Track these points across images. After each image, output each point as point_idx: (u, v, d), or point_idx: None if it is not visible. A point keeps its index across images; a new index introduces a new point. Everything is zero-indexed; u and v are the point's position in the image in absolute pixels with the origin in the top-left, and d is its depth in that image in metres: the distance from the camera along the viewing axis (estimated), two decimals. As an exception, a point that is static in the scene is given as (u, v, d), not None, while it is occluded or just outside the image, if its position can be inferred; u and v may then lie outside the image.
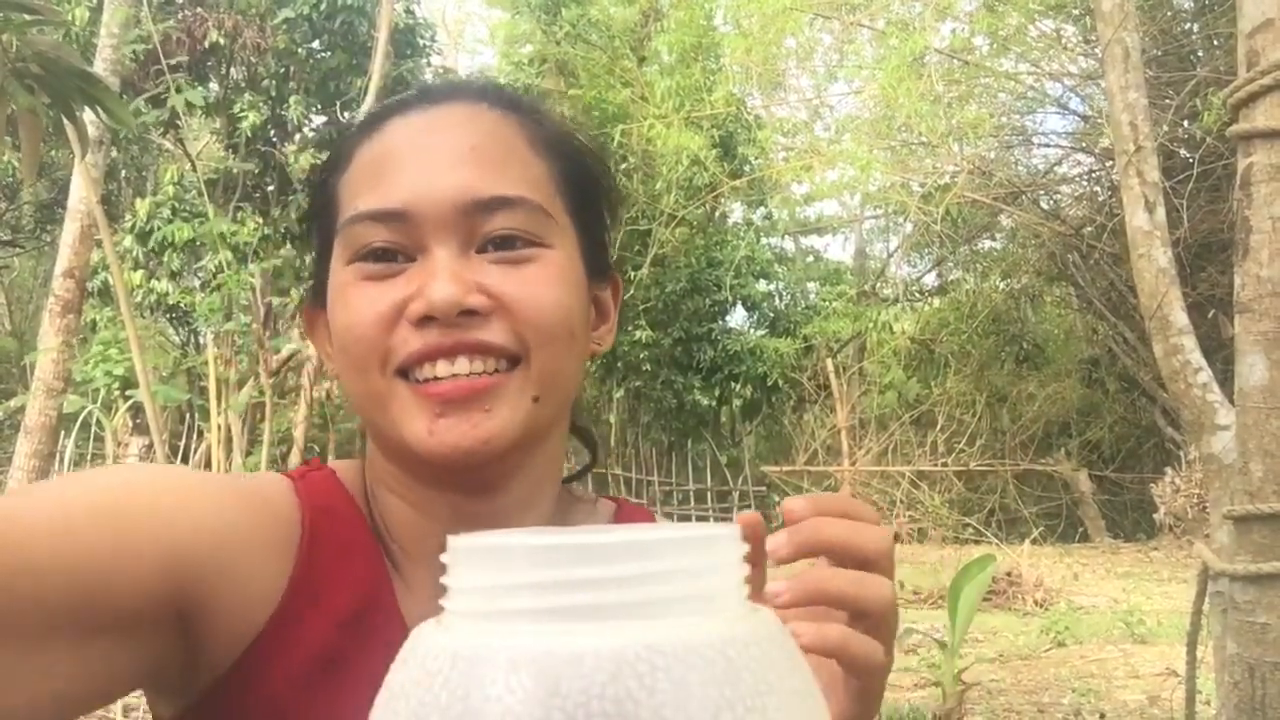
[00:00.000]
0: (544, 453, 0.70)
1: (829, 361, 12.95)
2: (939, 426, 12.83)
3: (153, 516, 0.58)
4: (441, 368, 0.62)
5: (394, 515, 0.69)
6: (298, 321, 11.76)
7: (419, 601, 0.67)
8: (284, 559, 0.64)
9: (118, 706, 4.57)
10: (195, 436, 12.88)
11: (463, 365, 0.62)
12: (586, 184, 0.73)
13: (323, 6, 11.21)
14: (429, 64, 12.79)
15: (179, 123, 11.81)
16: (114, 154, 10.43)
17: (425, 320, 0.61)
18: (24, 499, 0.56)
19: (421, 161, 0.65)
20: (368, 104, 7.60)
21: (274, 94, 11.66)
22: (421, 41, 12.48)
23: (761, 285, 13.67)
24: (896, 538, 11.98)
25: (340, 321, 0.65)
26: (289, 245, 11.94)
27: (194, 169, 11.67)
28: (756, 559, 0.46)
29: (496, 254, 0.64)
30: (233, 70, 11.86)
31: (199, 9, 11.23)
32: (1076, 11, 11.09)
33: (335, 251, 0.67)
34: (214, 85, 11.70)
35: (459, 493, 0.68)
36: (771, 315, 13.76)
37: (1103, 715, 4.78)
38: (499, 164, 0.65)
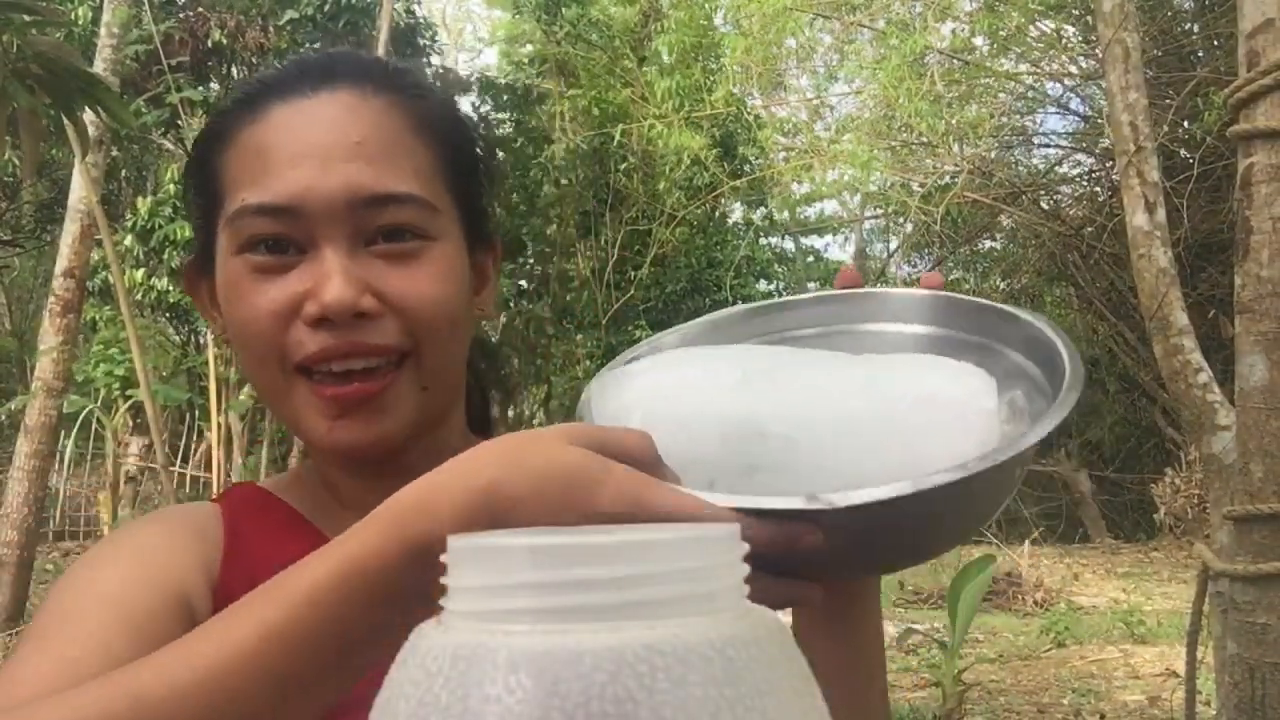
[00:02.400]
0: (445, 427, 0.75)
1: (829, 361, 12.93)
2: (939, 426, 12.81)
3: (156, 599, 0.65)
4: (336, 365, 0.66)
5: (329, 475, 0.76)
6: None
7: None
8: (214, 557, 0.70)
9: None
10: (195, 436, 12.88)
11: (356, 364, 0.66)
12: (467, 159, 0.75)
13: (325, 7, 11.21)
14: (429, 64, 12.79)
15: (180, 122, 11.81)
16: (114, 153, 10.44)
17: (320, 321, 0.64)
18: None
19: (309, 156, 0.65)
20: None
21: (274, 94, 11.67)
22: (422, 41, 12.48)
23: (762, 285, 13.67)
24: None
25: (235, 315, 0.68)
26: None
27: (194, 169, 11.67)
28: None
29: (384, 247, 0.67)
30: (234, 70, 11.86)
31: (200, 9, 11.23)
32: (1076, 11, 11.09)
33: (222, 239, 0.69)
34: (215, 85, 11.69)
35: (364, 476, 0.73)
36: (772, 315, 13.74)
37: (1103, 715, 4.78)
38: (385, 157, 0.67)
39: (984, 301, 0.74)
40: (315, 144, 0.66)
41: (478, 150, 0.77)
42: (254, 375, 0.69)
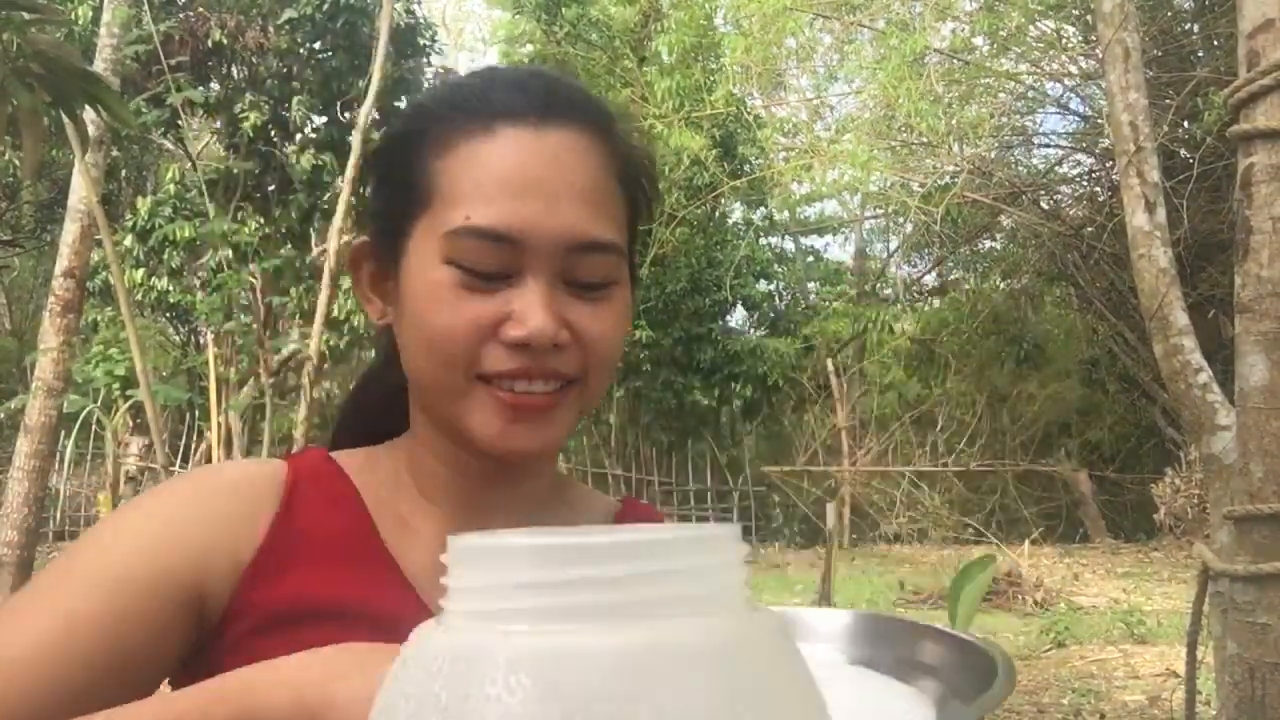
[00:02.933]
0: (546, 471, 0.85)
1: (829, 361, 12.96)
2: (939, 427, 12.83)
3: (145, 575, 0.69)
4: (520, 385, 0.73)
5: (424, 467, 0.80)
6: (298, 321, 11.76)
7: (424, 541, 0.78)
8: (263, 515, 0.74)
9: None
10: (195, 436, 12.88)
11: (538, 385, 0.73)
12: (643, 206, 0.82)
13: (325, 7, 11.20)
14: (429, 64, 12.79)
15: (180, 122, 11.80)
16: (114, 153, 10.44)
17: (518, 345, 0.71)
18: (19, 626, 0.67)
19: (538, 192, 0.71)
20: (369, 104, 7.59)
21: (275, 94, 11.66)
22: (422, 41, 12.47)
23: (762, 285, 13.67)
24: (897, 538, 12.00)
25: (429, 320, 0.72)
26: (289, 245, 11.94)
27: (195, 168, 11.67)
28: None
29: (581, 290, 0.74)
30: (234, 70, 11.85)
31: (200, 9, 11.23)
32: (1076, 11, 11.08)
33: (425, 242, 0.73)
34: (215, 85, 11.69)
35: (475, 476, 0.80)
36: (771, 315, 13.76)
37: (1103, 715, 4.78)
38: (598, 204, 0.73)
39: (911, 621, 0.74)
40: (542, 181, 0.71)
41: (651, 199, 0.83)
42: (430, 373, 0.74)
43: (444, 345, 0.72)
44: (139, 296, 11.50)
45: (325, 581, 0.73)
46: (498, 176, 0.71)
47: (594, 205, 0.72)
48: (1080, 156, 13.42)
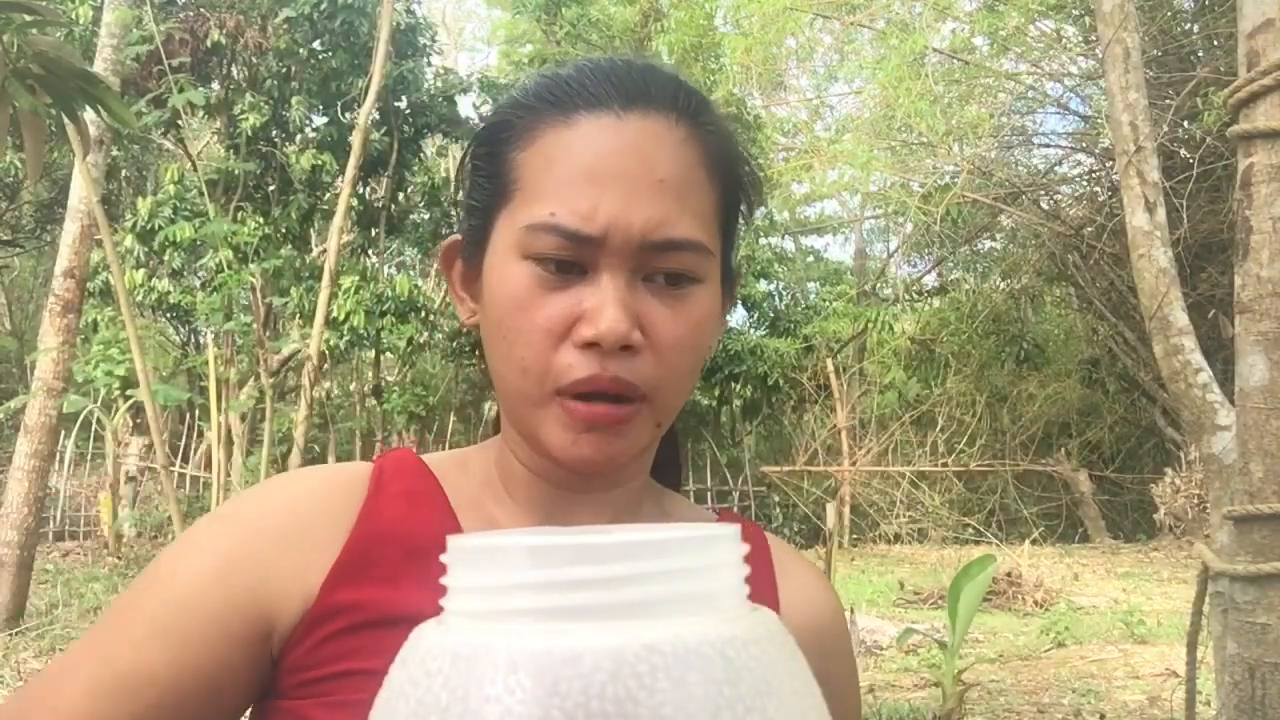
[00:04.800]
0: (648, 450, 0.82)
1: (829, 361, 12.96)
2: (939, 427, 12.83)
3: (210, 605, 0.69)
4: (592, 403, 0.71)
5: (511, 470, 0.79)
6: (298, 321, 11.76)
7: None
8: (344, 521, 0.74)
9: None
10: (195, 436, 12.89)
11: (606, 405, 0.71)
12: (738, 198, 0.78)
13: (324, 7, 11.20)
14: (429, 64, 12.79)
15: (180, 123, 11.81)
16: (114, 153, 10.43)
17: (589, 345, 0.69)
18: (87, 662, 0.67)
19: (616, 185, 0.68)
20: (369, 104, 7.60)
21: (275, 94, 11.66)
22: (422, 41, 12.48)
23: (762, 285, 13.68)
24: (897, 538, 11.99)
25: (510, 322, 0.71)
26: (289, 245, 11.94)
27: (195, 169, 11.67)
28: None
29: (659, 286, 0.70)
30: (234, 70, 11.86)
31: (200, 9, 11.23)
32: (1076, 11, 11.09)
33: (506, 236, 0.71)
34: (215, 85, 11.70)
35: (562, 483, 0.79)
36: (772, 315, 13.76)
37: (1103, 716, 4.78)
38: (680, 198, 0.70)
39: None
40: (623, 173, 0.68)
41: (751, 192, 0.79)
42: (510, 381, 0.72)
43: (520, 351, 0.70)
44: (139, 297, 11.50)
45: (405, 584, 0.71)
46: (575, 168, 0.69)
47: (677, 198, 0.69)
48: (1080, 156, 13.43)
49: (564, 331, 0.69)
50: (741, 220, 0.80)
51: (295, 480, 0.77)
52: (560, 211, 0.68)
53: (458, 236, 0.79)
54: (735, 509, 12.82)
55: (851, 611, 4.48)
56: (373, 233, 12.60)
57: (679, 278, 0.70)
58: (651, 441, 0.76)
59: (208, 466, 10.76)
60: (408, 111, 12.24)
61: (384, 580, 0.71)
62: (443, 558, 0.39)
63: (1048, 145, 13.77)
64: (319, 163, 11.39)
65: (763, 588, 0.79)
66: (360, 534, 0.73)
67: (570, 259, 0.68)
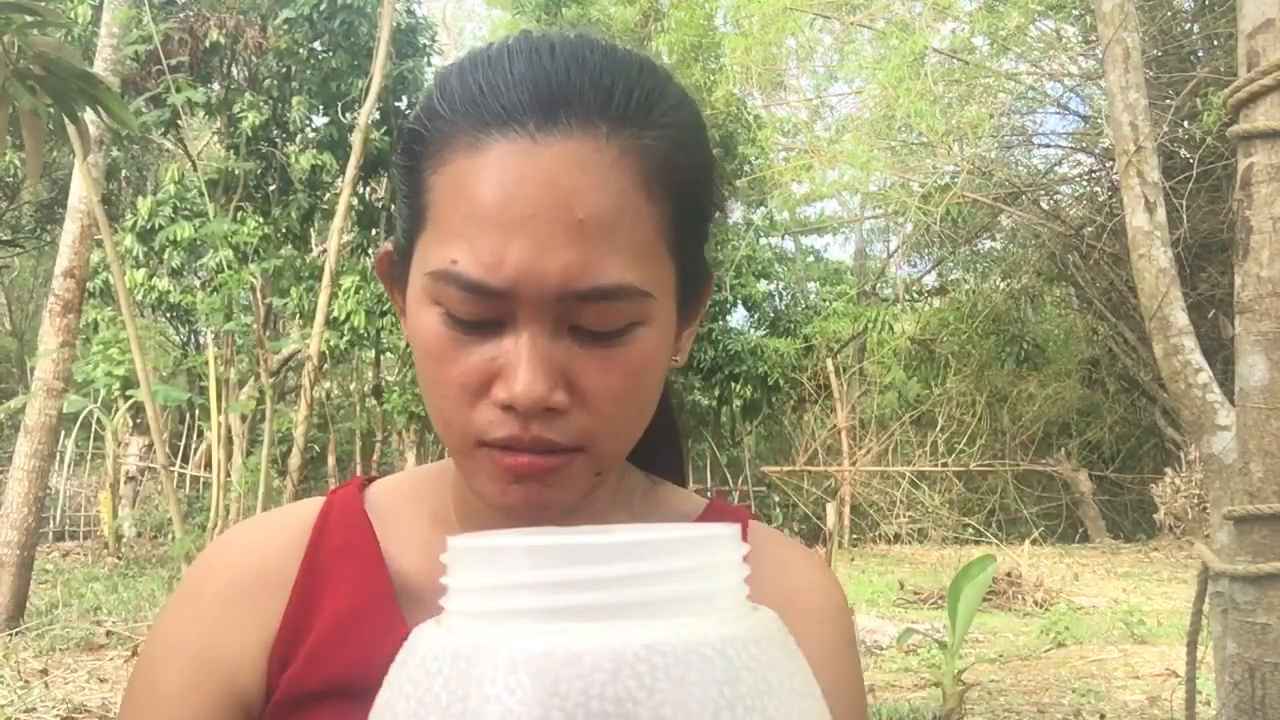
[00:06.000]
0: (605, 485, 0.73)
1: (829, 361, 12.96)
2: (939, 427, 12.83)
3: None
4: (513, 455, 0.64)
5: (464, 493, 0.73)
6: (298, 321, 11.76)
7: None
8: (285, 580, 0.71)
9: (118, 705, 4.56)
10: (195, 436, 12.89)
11: (531, 457, 0.64)
12: (699, 207, 0.67)
13: (324, 7, 11.21)
14: (429, 64, 12.79)
15: (180, 122, 11.81)
16: (114, 153, 10.44)
17: (508, 406, 0.62)
18: None
19: (526, 230, 0.59)
20: (369, 104, 7.60)
21: (275, 94, 11.67)
22: (422, 41, 12.49)
23: (762, 285, 13.68)
24: (897, 538, 11.99)
25: (425, 370, 0.65)
26: (289, 245, 11.95)
27: (195, 169, 11.67)
28: None
29: (592, 337, 0.62)
30: (234, 70, 11.86)
31: (200, 9, 11.23)
32: (1076, 11, 11.09)
33: (418, 276, 0.64)
34: (215, 85, 11.70)
35: None
36: (772, 315, 13.77)
37: (1103, 716, 4.78)
38: (610, 237, 0.60)
39: None
40: (535, 213, 0.59)
41: (713, 195, 0.69)
42: (435, 425, 0.67)
43: (438, 403, 0.64)
44: (139, 296, 11.50)
45: (341, 654, 0.68)
46: (481, 205, 0.60)
47: (604, 238, 0.59)
48: (1080, 156, 13.43)
49: (480, 387, 0.62)
50: (714, 217, 0.71)
51: (234, 546, 0.74)
52: (463, 259, 0.59)
53: (389, 247, 0.71)
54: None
55: (851, 611, 4.48)
56: (373, 233, 12.61)
57: (608, 329, 0.62)
58: (595, 486, 0.68)
59: (208, 466, 10.76)
60: (408, 111, 12.24)
61: (318, 652, 0.68)
62: (443, 558, 0.39)
63: (1048, 145, 13.78)
64: (319, 163, 11.40)
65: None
66: (296, 601, 0.70)
67: (479, 313, 0.61)
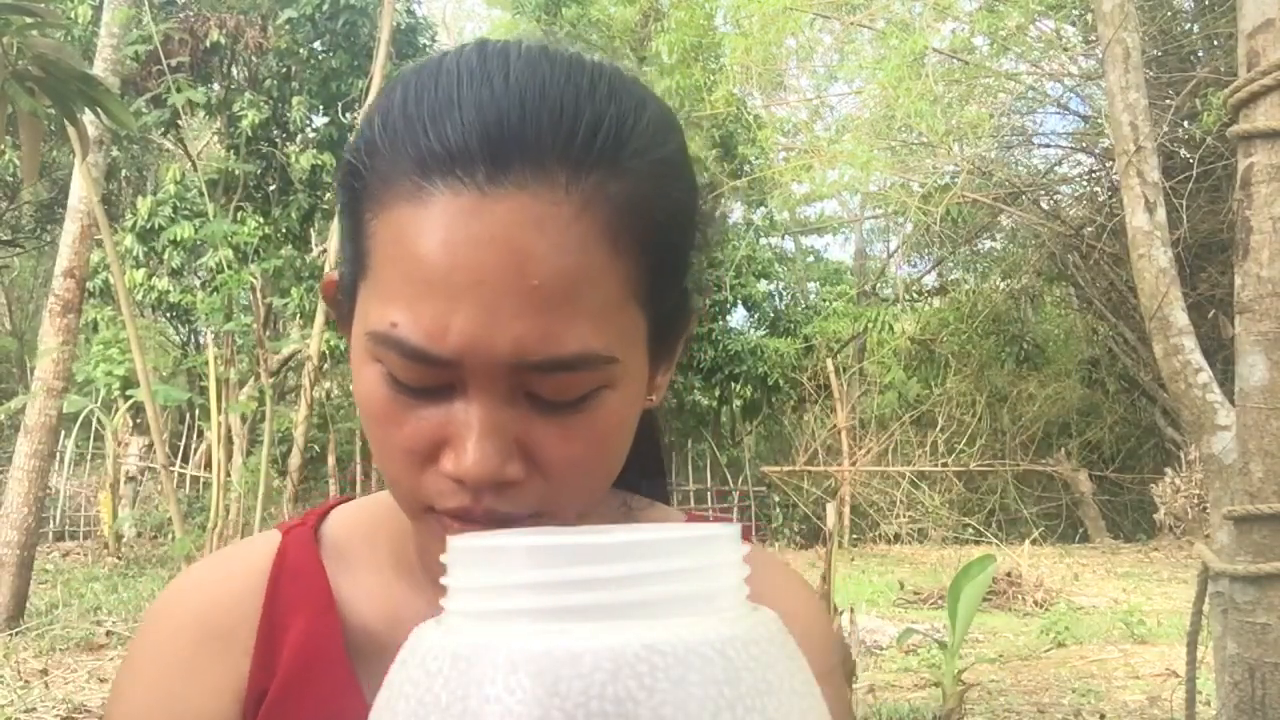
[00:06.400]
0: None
1: (829, 361, 12.96)
2: (939, 427, 12.83)
3: None
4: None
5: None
6: (298, 321, 11.77)
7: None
8: (245, 635, 0.67)
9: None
10: (195, 436, 12.89)
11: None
12: (676, 249, 0.60)
13: (325, 7, 11.22)
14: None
15: (180, 122, 11.82)
16: (114, 153, 10.44)
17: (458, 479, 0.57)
18: None
19: (474, 298, 0.52)
20: (369, 105, 7.60)
21: (275, 94, 11.67)
22: (423, 41, 12.49)
23: (762, 285, 13.69)
24: (897, 538, 11.99)
25: (367, 427, 0.59)
26: (289, 245, 11.95)
27: (195, 169, 11.68)
28: None
29: (547, 406, 0.56)
30: (234, 70, 11.87)
31: (200, 9, 11.24)
32: (1076, 11, 11.09)
33: (360, 323, 0.58)
34: (215, 85, 11.71)
35: None
36: (772, 315, 13.77)
37: (1103, 716, 4.78)
38: (570, 302, 0.53)
39: None
40: (483, 279, 0.52)
41: (694, 229, 0.62)
42: (387, 483, 0.62)
43: (385, 464, 0.59)
44: (139, 296, 11.51)
45: (283, 691, 0.65)
46: (423, 268, 0.53)
47: (562, 302, 0.53)
48: (1080, 156, 13.43)
49: (428, 453, 0.56)
50: (699, 249, 0.64)
51: (188, 602, 0.69)
52: (404, 324, 0.53)
53: (335, 276, 0.64)
54: (733, 509, 12.70)
55: (851, 611, 4.48)
56: (373, 233, 12.61)
57: (567, 399, 0.56)
58: None
59: (208, 466, 10.75)
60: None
61: (273, 715, 0.65)
62: (442, 558, 0.39)
63: (1048, 145, 13.78)
64: (319, 163, 11.40)
65: None
66: (259, 659, 0.66)
67: (424, 380, 0.55)
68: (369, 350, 0.56)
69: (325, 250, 9.37)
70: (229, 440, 9.01)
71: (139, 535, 10.85)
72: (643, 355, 0.60)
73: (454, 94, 0.54)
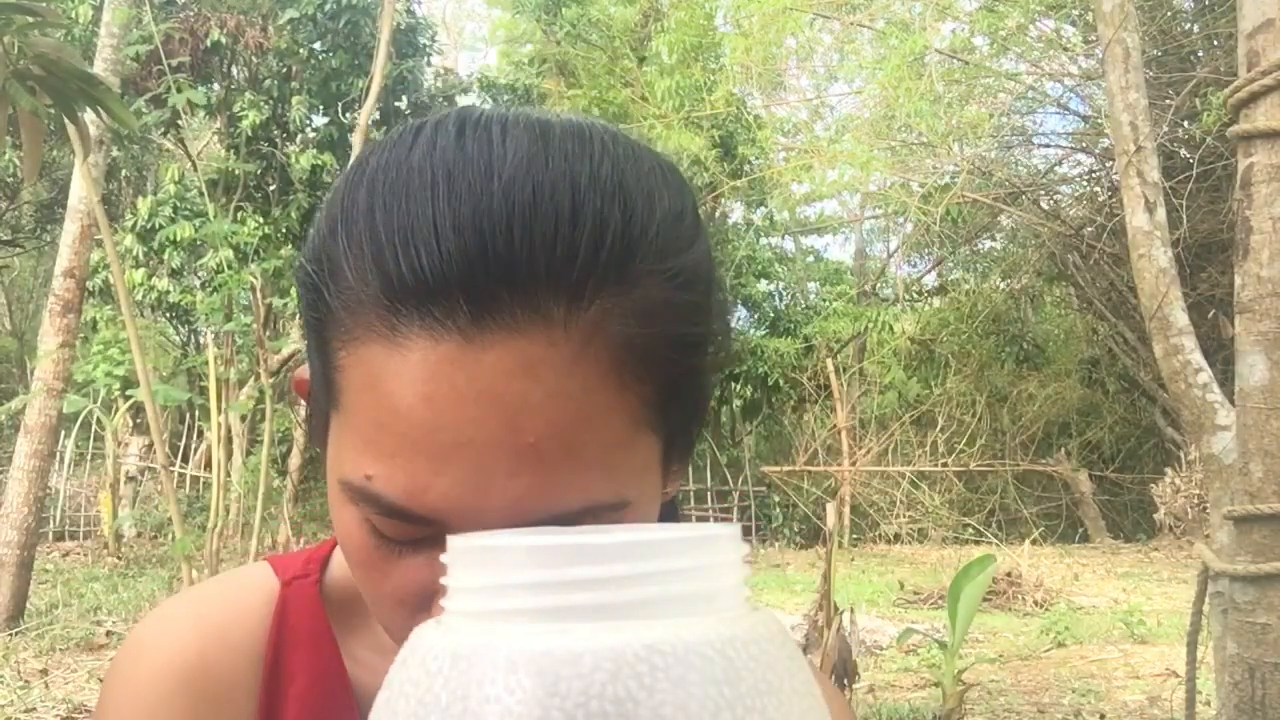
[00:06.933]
0: None
1: (829, 361, 12.97)
2: (939, 427, 12.84)
3: None
4: None
5: None
6: (298, 321, 11.76)
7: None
8: (245, 701, 0.61)
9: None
10: (195, 436, 12.89)
11: None
12: (695, 364, 0.52)
13: (325, 7, 11.22)
14: (429, 64, 12.80)
15: (180, 122, 11.82)
16: (114, 153, 10.44)
17: None
18: None
19: (460, 460, 0.46)
20: (369, 104, 7.60)
21: (275, 94, 11.68)
22: (422, 41, 12.50)
23: (762, 285, 13.69)
24: (897, 538, 11.99)
25: (351, 564, 0.53)
26: (289, 245, 11.95)
27: (195, 169, 11.69)
28: None
29: None
30: (234, 70, 11.88)
31: (201, 9, 11.24)
32: (1076, 11, 11.09)
33: (333, 458, 0.51)
34: (215, 85, 11.72)
35: None
36: (772, 315, 13.78)
37: (1103, 716, 4.78)
38: (571, 454, 0.46)
39: None
40: (469, 442, 0.45)
41: (711, 318, 0.53)
42: (377, 620, 0.55)
43: (372, 606, 0.53)
44: (139, 296, 11.51)
45: None
46: (401, 425, 0.46)
47: (562, 458, 0.46)
48: (1080, 156, 13.44)
49: (421, 603, 0.49)
50: (715, 325, 0.54)
51: (165, 662, 0.60)
52: (380, 478, 0.47)
53: (304, 376, 0.56)
54: (733, 509, 12.65)
55: (851, 611, 4.48)
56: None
57: None
58: None
59: (208, 466, 10.75)
60: (408, 112, 12.26)
61: None
62: (443, 557, 0.39)
63: (1048, 145, 13.79)
64: (319, 163, 11.41)
65: None
66: (267, 690, 0.60)
67: (408, 534, 0.48)
68: (345, 493, 0.49)
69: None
70: (229, 440, 9.01)
71: (139, 535, 10.85)
72: (657, 476, 0.52)
73: (428, 206, 0.45)
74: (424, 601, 0.49)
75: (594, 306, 0.45)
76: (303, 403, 0.58)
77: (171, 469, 6.81)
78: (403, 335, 0.45)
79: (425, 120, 0.50)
